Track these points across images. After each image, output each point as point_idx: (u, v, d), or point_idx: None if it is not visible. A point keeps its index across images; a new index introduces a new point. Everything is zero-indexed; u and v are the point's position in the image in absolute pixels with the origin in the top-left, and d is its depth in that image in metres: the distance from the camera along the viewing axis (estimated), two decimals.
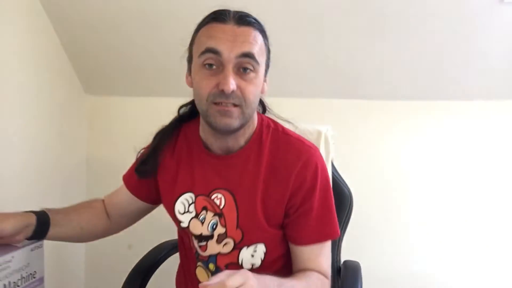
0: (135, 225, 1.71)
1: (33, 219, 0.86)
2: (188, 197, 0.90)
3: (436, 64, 1.52)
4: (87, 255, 1.77)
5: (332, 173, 1.19)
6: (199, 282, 0.87)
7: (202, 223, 0.88)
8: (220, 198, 0.87)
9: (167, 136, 0.97)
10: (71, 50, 1.60)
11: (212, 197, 0.88)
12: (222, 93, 0.78)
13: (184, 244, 0.99)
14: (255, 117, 0.90)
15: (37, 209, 0.92)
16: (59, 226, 0.91)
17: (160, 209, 1.60)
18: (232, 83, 0.77)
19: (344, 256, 1.21)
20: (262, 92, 0.87)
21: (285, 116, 1.01)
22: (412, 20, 1.41)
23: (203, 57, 0.80)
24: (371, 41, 1.48)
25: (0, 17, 1.27)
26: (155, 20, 1.48)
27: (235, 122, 0.81)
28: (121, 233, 1.71)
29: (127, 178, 1.03)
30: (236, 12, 0.82)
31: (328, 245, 0.90)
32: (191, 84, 0.87)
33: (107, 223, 1.02)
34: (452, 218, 1.61)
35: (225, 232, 0.86)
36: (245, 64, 0.79)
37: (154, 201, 1.03)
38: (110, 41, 1.56)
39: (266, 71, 0.86)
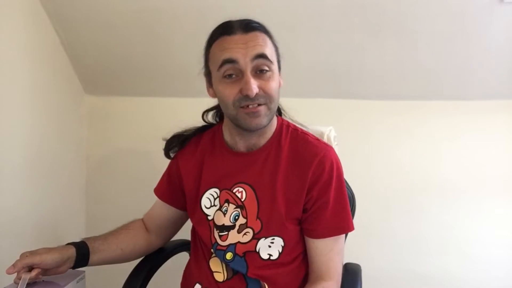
0: None
1: (72, 252, 0.95)
2: (213, 192, 0.98)
3: (436, 64, 1.52)
4: None
5: None
6: (212, 272, 0.95)
7: (225, 214, 0.95)
8: (242, 192, 0.94)
9: (193, 133, 1.08)
10: (71, 50, 1.60)
11: (234, 190, 0.95)
12: (247, 97, 0.85)
13: (198, 240, 1.04)
14: (275, 118, 0.98)
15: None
16: (99, 252, 1.00)
17: None
18: (253, 87, 0.84)
19: (345, 259, 1.21)
20: (279, 86, 0.93)
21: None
22: (412, 20, 1.41)
23: (222, 69, 0.87)
24: (371, 41, 1.47)
25: (0, 17, 1.27)
26: (155, 20, 1.48)
27: (263, 120, 0.89)
28: None
29: (158, 189, 1.12)
30: (241, 21, 0.89)
31: (341, 241, 0.96)
32: (213, 95, 0.96)
33: (148, 238, 1.11)
34: (454, 219, 1.61)
35: (246, 223, 0.93)
36: (261, 66, 0.86)
37: (186, 207, 1.09)
38: (110, 41, 1.56)
39: (279, 67, 0.93)
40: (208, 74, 0.96)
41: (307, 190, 0.91)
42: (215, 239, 0.95)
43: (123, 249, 1.04)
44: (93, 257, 0.99)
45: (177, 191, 1.08)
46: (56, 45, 1.56)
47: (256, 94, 0.85)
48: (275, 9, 1.41)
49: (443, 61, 1.51)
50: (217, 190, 0.97)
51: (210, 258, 0.98)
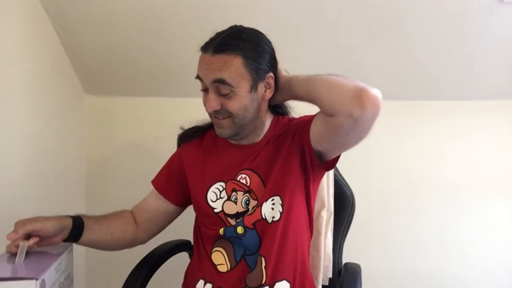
0: None
1: (69, 222, 0.95)
2: (218, 185, 1.02)
3: (436, 64, 1.52)
4: (87, 255, 1.77)
5: (334, 174, 1.19)
6: (215, 265, 0.98)
7: (235, 202, 0.99)
8: (245, 178, 1.00)
9: (207, 127, 1.12)
10: (71, 50, 1.60)
11: (238, 178, 1.00)
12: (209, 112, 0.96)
13: (199, 238, 1.06)
14: (267, 120, 1.04)
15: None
16: (91, 230, 0.99)
17: None
18: (210, 106, 0.94)
19: (344, 259, 1.21)
20: (264, 99, 0.99)
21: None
22: (412, 20, 1.41)
23: (199, 82, 0.97)
24: (371, 41, 1.48)
25: (0, 17, 1.27)
26: (155, 20, 1.48)
27: (227, 131, 0.98)
28: None
29: (156, 181, 1.13)
30: (218, 40, 0.92)
31: None
32: None
33: (135, 231, 1.10)
34: (454, 219, 1.61)
35: (257, 203, 0.98)
36: (220, 90, 0.93)
37: (181, 203, 1.12)
38: (110, 41, 1.56)
39: (257, 83, 0.95)
40: None
41: (298, 144, 0.97)
42: (230, 224, 0.99)
43: (113, 234, 1.04)
44: (85, 234, 0.98)
45: (175, 184, 1.10)
46: (56, 45, 1.56)
47: (217, 110, 0.94)
48: (275, 9, 1.41)
49: (443, 61, 1.51)
50: (223, 184, 1.01)
51: (212, 253, 1.00)
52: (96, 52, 1.61)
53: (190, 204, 1.12)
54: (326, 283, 1.16)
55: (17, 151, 1.38)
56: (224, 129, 0.98)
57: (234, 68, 0.91)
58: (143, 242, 1.13)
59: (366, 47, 1.50)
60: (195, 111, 1.75)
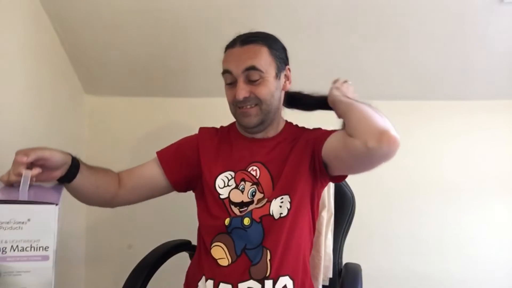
0: (135, 225, 1.72)
1: (69, 159, 0.92)
2: (227, 174, 1.06)
3: (436, 64, 1.52)
4: (87, 255, 1.77)
5: None
6: (215, 260, 0.99)
7: (242, 192, 1.03)
8: (256, 170, 1.04)
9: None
10: (71, 50, 1.60)
11: (249, 169, 1.05)
12: (238, 100, 1.01)
13: (201, 228, 1.08)
14: (282, 118, 1.12)
15: None
16: (83, 176, 0.96)
17: (161, 210, 1.61)
18: (241, 93, 1.00)
19: (345, 259, 1.21)
20: (284, 89, 1.09)
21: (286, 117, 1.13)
22: (412, 20, 1.41)
23: (224, 77, 1.05)
24: (371, 41, 1.48)
25: (0, 17, 1.27)
26: (155, 20, 1.48)
27: (254, 119, 1.03)
28: (121, 233, 1.73)
29: (161, 153, 1.14)
30: (244, 35, 1.05)
31: None
32: None
33: (116, 191, 1.07)
34: (454, 219, 1.61)
35: (263, 196, 1.02)
36: (251, 77, 1.01)
37: (174, 182, 1.11)
38: (110, 41, 1.56)
39: (280, 71, 1.06)
40: None
41: (311, 145, 1.03)
42: (234, 213, 1.02)
43: (98, 187, 1.01)
44: (79, 176, 0.93)
45: (179, 162, 1.10)
46: (56, 45, 1.56)
47: (246, 97, 1.01)
48: (275, 9, 1.41)
49: (443, 61, 1.51)
50: (232, 173, 1.05)
51: (211, 248, 1.00)
52: (96, 52, 1.61)
53: (181, 190, 1.13)
54: (327, 283, 1.16)
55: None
56: (252, 117, 1.03)
57: (262, 55, 1.01)
58: (116, 205, 1.10)
59: (366, 47, 1.50)
60: (194, 111, 1.76)
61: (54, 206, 0.76)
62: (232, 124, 1.17)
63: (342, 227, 1.19)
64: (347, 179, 1.22)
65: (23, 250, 0.78)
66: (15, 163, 0.82)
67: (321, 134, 1.04)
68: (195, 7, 1.43)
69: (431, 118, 1.62)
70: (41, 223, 0.80)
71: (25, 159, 0.80)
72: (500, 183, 1.59)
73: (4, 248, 0.77)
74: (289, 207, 0.99)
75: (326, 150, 0.99)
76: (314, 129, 1.11)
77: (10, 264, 0.77)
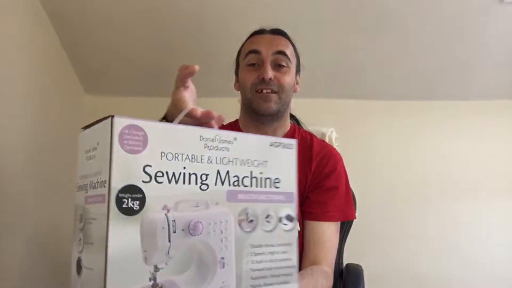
0: None
1: None
2: None
3: (436, 64, 1.52)
4: None
5: None
6: None
7: None
8: None
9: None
10: (71, 50, 1.60)
11: None
12: (263, 81, 0.99)
13: None
14: (288, 121, 1.10)
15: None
16: None
17: None
18: (269, 73, 0.99)
19: (346, 259, 1.21)
20: (295, 91, 1.08)
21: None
22: (412, 20, 1.41)
23: (247, 58, 1.03)
24: (371, 41, 1.48)
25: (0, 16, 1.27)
26: (156, 20, 1.48)
27: (273, 106, 1.01)
28: None
29: None
30: (272, 28, 1.07)
31: (338, 229, 1.00)
32: (238, 88, 1.09)
33: None
34: (454, 219, 1.61)
35: None
36: (279, 61, 1.01)
37: None
38: (110, 41, 1.56)
39: (297, 72, 1.08)
40: (236, 71, 1.11)
41: (312, 176, 0.99)
42: None
43: None
44: None
45: None
46: (56, 45, 1.56)
47: (271, 79, 0.99)
48: (276, 9, 1.41)
49: (443, 61, 1.51)
50: None
51: None
52: (96, 52, 1.61)
53: None
54: None
55: (17, 151, 1.38)
56: (271, 103, 1.01)
57: (290, 48, 1.05)
58: None
59: (366, 47, 1.50)
60: None
61: None
62: (235, 122, 1.12)
63: (343, 227, 1.19)
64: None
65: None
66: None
67: (322, 185, 0.99)
68: (195, 7, 1.43)
69: (431, 118, 1.62)
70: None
71: (196, 69, 0.72)
72: (500, 183, 1.59)
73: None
74: None
75: (305, 198, 0.98)
76: (323, 158, 1.02)
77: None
